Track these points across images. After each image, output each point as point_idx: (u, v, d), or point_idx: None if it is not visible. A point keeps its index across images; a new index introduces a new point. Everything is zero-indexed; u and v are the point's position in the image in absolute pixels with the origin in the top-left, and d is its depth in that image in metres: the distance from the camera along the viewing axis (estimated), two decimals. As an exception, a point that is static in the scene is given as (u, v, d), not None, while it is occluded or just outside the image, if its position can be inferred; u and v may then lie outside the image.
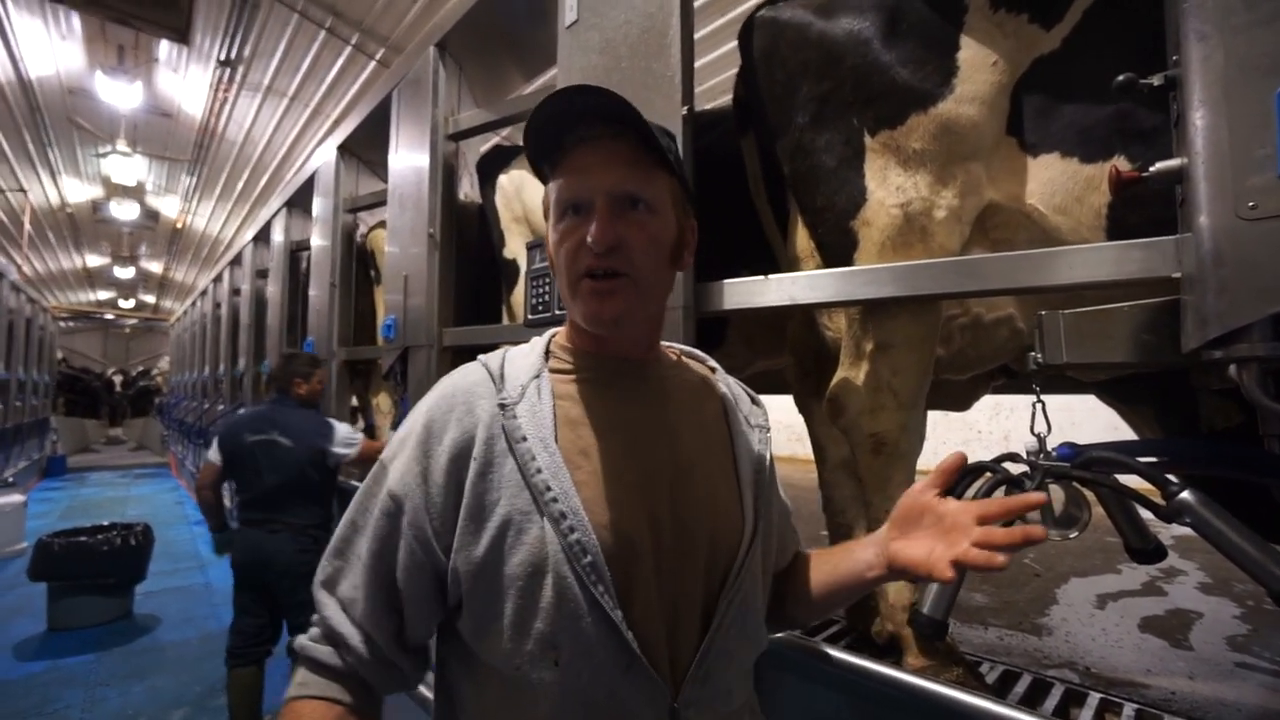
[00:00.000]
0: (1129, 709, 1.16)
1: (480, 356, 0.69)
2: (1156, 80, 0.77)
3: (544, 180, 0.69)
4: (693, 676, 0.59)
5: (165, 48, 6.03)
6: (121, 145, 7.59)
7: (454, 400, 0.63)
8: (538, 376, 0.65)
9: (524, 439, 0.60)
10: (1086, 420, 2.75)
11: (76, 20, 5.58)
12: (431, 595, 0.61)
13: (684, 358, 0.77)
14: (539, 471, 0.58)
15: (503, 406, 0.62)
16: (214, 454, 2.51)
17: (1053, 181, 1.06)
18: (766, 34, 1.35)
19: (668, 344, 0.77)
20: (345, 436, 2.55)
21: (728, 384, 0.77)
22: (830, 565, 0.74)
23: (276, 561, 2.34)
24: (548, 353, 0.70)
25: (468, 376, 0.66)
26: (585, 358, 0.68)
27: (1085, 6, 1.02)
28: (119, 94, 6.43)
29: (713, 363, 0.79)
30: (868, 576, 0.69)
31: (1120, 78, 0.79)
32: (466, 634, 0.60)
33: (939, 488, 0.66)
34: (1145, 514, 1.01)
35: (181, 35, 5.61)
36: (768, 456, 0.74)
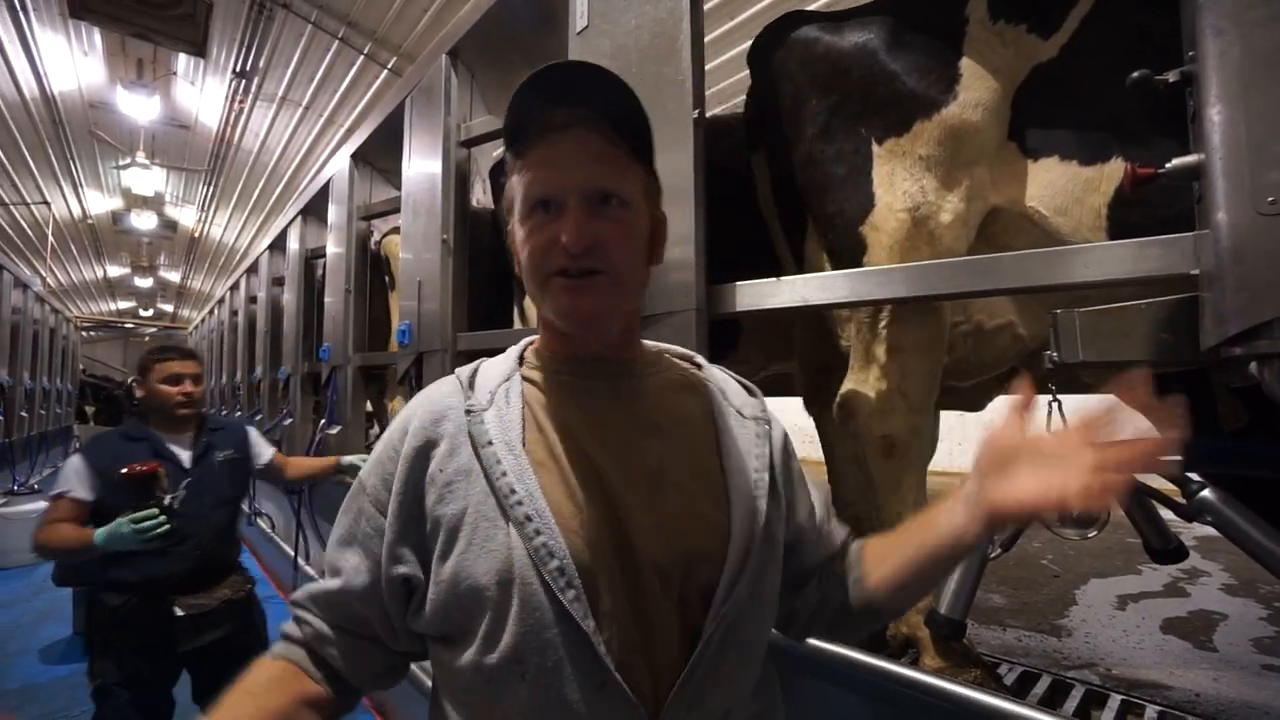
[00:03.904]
0: (1151, 710, 1.15)
1: (457, 369, 0.68)
2: (1172, 76, 0.77)
3: (507, 171, 0.65)
4: (676, 699, 0.53)
5: (183, 61, 6.15)
6: (140, 157, 7.74)
7: (420, 411, 0.62)
8: (507, 380, 0.64)
9: (490, 443, 0.57)
10: (1105, 419, 2.72)
11: (97, 36, 5.71)
12: (382, 597, 0.59)
13: (667, 355, 0.73)
14: (504, 475, 0.56)
15: (469, 412, 0.60)
16: None
17: (1053, 184, 1.09)
18: (775, 51, 1.38)
19: (652, 344, 0.73)
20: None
21: (716, 379, 0.71)
22: (913, 541, 0.65)
23: None
24: (521, 359, 0.68)
25: (439, 388, 0.65)
26: (558, 360, 0.65)
27: (1083, 15, 1.05)
28: (138, 107, 6.56)
29: (699, 359, 0.74)
30: (966, 538, 0.59)
31: (1135, 74, 0.79)
32: (438, 643, 0.59)
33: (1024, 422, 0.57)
34: (1166, 513, 1.01)
35: (198, 49, 5.72)
36: (770, 449, 0.66)
